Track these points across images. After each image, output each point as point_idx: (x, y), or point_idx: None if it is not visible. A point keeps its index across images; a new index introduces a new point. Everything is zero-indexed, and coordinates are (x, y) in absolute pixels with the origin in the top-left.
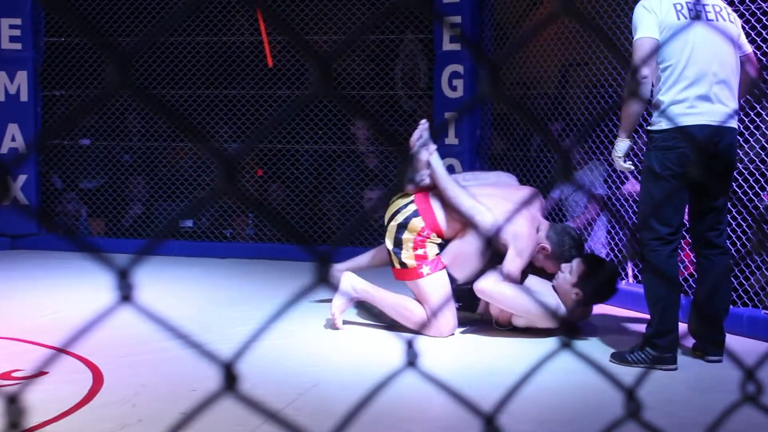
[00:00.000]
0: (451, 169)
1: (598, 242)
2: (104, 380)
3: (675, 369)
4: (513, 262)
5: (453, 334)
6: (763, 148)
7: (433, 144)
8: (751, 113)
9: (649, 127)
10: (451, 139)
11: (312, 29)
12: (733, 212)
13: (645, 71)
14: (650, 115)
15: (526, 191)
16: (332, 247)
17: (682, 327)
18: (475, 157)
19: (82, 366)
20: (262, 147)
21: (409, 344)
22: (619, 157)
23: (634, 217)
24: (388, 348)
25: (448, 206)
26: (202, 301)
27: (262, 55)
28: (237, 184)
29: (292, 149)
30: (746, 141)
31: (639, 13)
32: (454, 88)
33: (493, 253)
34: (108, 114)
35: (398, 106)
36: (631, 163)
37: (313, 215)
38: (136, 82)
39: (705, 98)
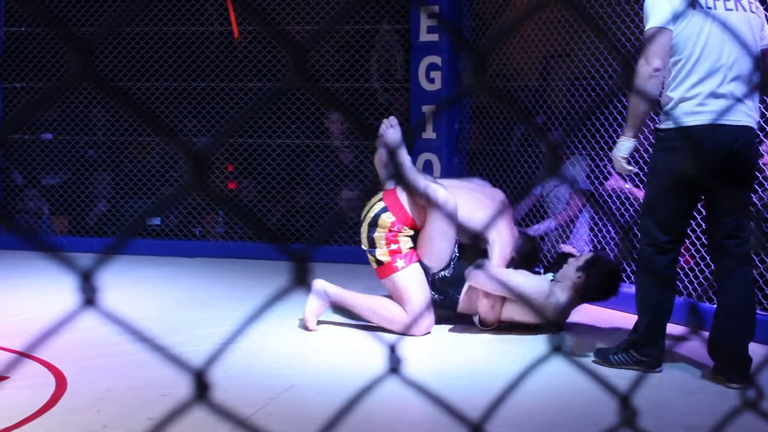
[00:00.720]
0: (428, 165)
1: (581, 239)
2: (68, 385)
3: (660, 371)
4: (500, 257)
5: (430, 332)
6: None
7: (397, 138)
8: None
9: (656, 126)
10: (429, 134)
11: (284, 19)
12: None
13: (657, 63)
14: (657, 114)
15: (498, 192)
16: (308, 246)
17: (675, 329)
18: (453, 152)
19: (44, 370)
20: (233, 141)
21: (392, 349)
22: (623, 158)
23: (617, 215)
24: (366, 350)
25: (411, 194)
26: (170, 302)
27: (233, 45)
28: (206, 180)
29: (264, 143)
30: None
31: (651, 5)
32: (431, 81)
33: (469, 247)
34: (71, 107)
35: (374, 99)
36: (631, 167)
37: (285, 212)
38: (101, 73)
39: (718, 95)
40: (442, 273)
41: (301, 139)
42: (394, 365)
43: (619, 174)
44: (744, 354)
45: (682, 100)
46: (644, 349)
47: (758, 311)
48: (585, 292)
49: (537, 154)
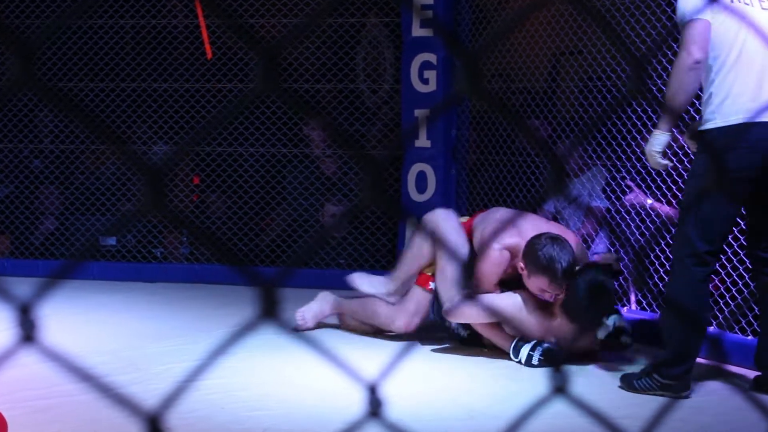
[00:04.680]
0: (421, 177)
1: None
2: (8, 429)
3: (687, 397)
4: (480, 277)
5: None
6: None
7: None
8: None
9: (700, 128)
10: (422, 142)
11: (258, 11)
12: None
13: (699, 55)
14: (698, 113)
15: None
16: (283, 270)
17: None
18: (450, 162)
19: None
20: (199, 150)
21: (372, 390)
22: (657, 152)
23: (637, 233)
24: (347, 388)
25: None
26: (127, 333)
27: (200, 41)
28: (163, 198)
29: (235, 153)
30: None
31: None
32: (425, 81)
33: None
34: (14, 111)
35: (360, 101)
36: (666, 161)
37: (259, 231)
38: (48, 73)
39: (763, 92)
40: None
41: (277, 148)
42: (374, 409)
43: (640, 188)
44: None
45: (728, 96)
46: (670, 369)
47: None
48: (569, 308)
49: (546, 166)
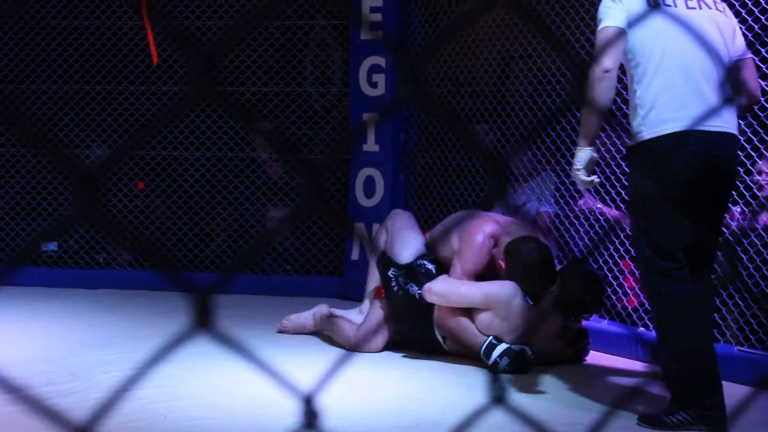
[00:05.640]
0: (369, 181)
1: None
2: None
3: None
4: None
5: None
6: None
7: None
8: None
9: (630, 142)
10: (371, 146)
11: (204, 12)
12: None
13: (608, 64)
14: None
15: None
16: (219, 278)
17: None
18: (399, 166)
19: None
20: (144, 154)
21: (308, 401)
22: (579, 170)
23: (585, 238)
24: (292, 399)
25: None
26: (68, 341)
27: (145, 44)
28: (96, 203)
29: (180, 156)
30: None
31: (603, 5)
32: (374, 85)
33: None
34: None
35: (308, 105)
36: (596, 176)
37: (204, 236)
38: None
39: (695, 97)
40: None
41: (222, 152)
42: (310, 419)
43: (588, 191)
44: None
45: (655, 106)
46: (706, 399)
47: (744, 349)
48: (562, 300)
49: (489, 173)
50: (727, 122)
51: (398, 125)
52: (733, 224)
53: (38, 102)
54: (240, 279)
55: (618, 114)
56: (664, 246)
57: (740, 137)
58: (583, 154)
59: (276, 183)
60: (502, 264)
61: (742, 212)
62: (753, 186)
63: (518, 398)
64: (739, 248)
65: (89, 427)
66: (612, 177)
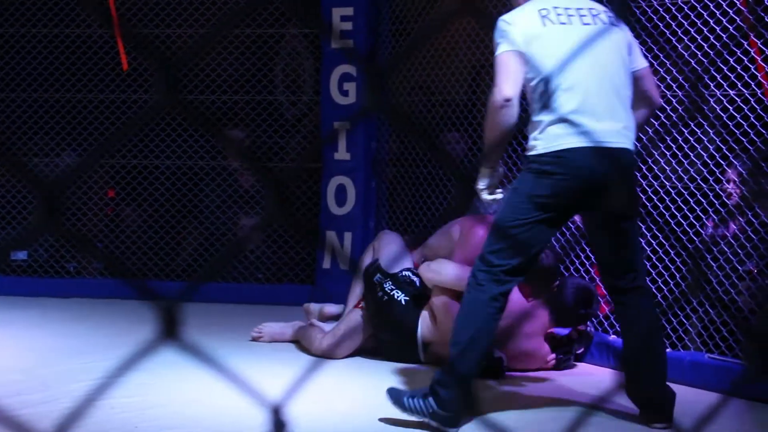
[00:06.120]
0: (341, 190)
1: None
2: None
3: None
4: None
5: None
6: (699, 171)
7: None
8: (685, 131)
9: (526, 153)
10: (342, 154)
11: (175, 20)
12: (666, 246)
13: (508, 92)
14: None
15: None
16: (189, 286)
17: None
18: (370, 175)
19: None
20: (114, 163)
21: (276, 411)
22: (481, 190)
23: (556, 246)
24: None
25: None
26: (39, 351)
27: (115, 51)
28: (57, 213)
29: (151, 165)
30: (680, 163)
31: (498, 29)
32: (345, 93)
33: None
34: None
35: (279, 113)
36: (500, 193)
37: (175, 245)
38: None
39: (587, 114)
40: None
41: (193, 160)
42: (277, 429)
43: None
44: (661, 389)
45: (550, 123)
46: (443, 392)
47: (715, 356)
48: (556, 303)
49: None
50: (623, 136)
51: (370, 133)
52: (704, 233)
53: (7, 110)
54: (212, 287)
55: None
56: (514, 248)
57: (634, 150)
58: (485, 175)
59: (248, 191)
60: None
61: (712, 221)
62: (722, 194)
63: (488, 404)
64: (709, 256)
65: None
66: None
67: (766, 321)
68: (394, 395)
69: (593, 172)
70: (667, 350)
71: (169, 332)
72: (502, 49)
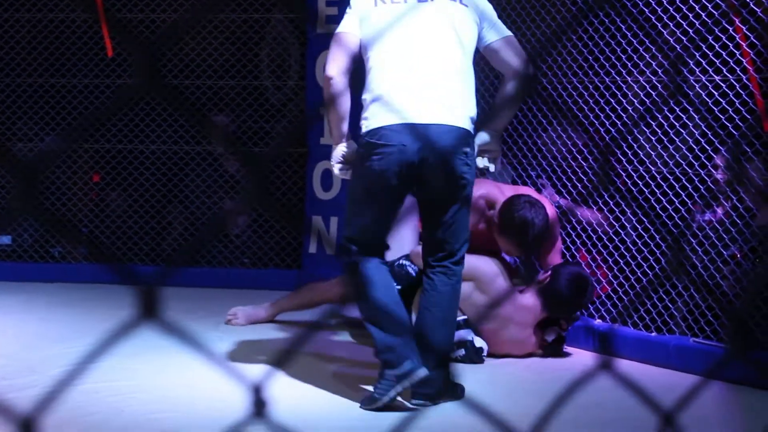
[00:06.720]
0: (327, 175)
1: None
2: None
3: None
4: None
5: None
6: (684, 156)
7: None
8: (671, 116)
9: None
10: (328, 139)
11: (160, 5)
12: (652, 230)
13: (329, 71)
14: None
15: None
16: (167, 269)
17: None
18: None
19: None
20: (99, 147)
21: (257, 390)
22: (333, 165)
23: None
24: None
25: None
26: (25, 336)
27: (100, 36)
28: (35, 196)
29: (136, 150)
30: (665, 148)
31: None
32: None
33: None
34: None
35: (264, 98)
36: (346, 169)
37: (161, 230)
38: None
39: (403, 92)
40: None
41: (179, 145)
42: (258, 409)
43: (554, 188)
44: (432, 365)
45: (374, 101)
46: (389, 356)
47: (699, 340)
48: (548, 294)
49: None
50: (451, 115)
51: (355, 117)
52: (699, 218)
53: None
54: (197, 272)
55: (564, 108)
56: (361, 227)
57: (469, 129)
58: (336, 150)
59: (233, 176)
60: (495, 224)
61: (699, 206)
62: (707, 180)
63: (471, 387)
64: (694, 241)
65: (33, 419)
66: (568, 171)
67: (749, 305)
68: (365, 403)
69: (404, 151)
70: (653, 334)
71: (148, 314)
72: (337, 30)
